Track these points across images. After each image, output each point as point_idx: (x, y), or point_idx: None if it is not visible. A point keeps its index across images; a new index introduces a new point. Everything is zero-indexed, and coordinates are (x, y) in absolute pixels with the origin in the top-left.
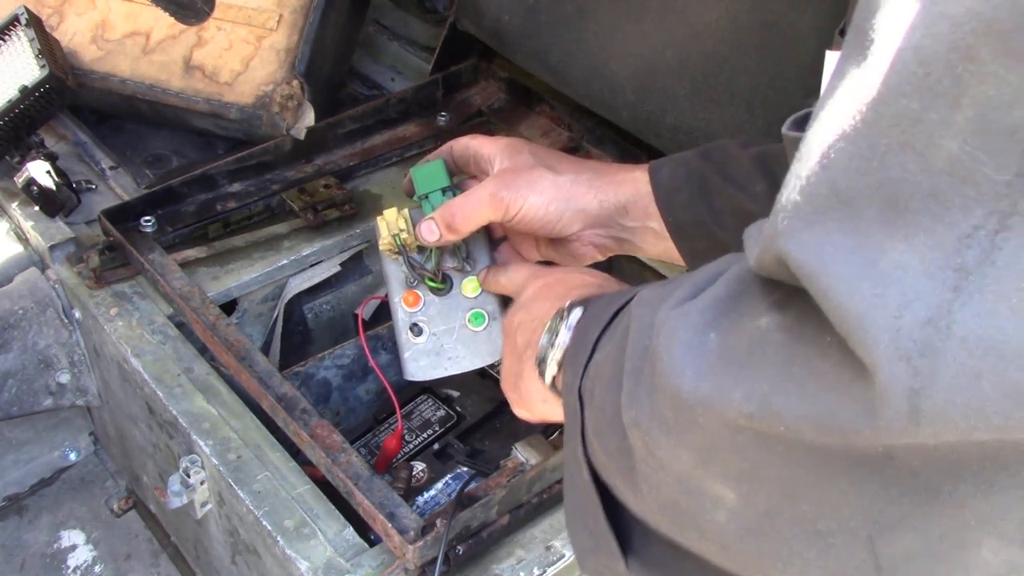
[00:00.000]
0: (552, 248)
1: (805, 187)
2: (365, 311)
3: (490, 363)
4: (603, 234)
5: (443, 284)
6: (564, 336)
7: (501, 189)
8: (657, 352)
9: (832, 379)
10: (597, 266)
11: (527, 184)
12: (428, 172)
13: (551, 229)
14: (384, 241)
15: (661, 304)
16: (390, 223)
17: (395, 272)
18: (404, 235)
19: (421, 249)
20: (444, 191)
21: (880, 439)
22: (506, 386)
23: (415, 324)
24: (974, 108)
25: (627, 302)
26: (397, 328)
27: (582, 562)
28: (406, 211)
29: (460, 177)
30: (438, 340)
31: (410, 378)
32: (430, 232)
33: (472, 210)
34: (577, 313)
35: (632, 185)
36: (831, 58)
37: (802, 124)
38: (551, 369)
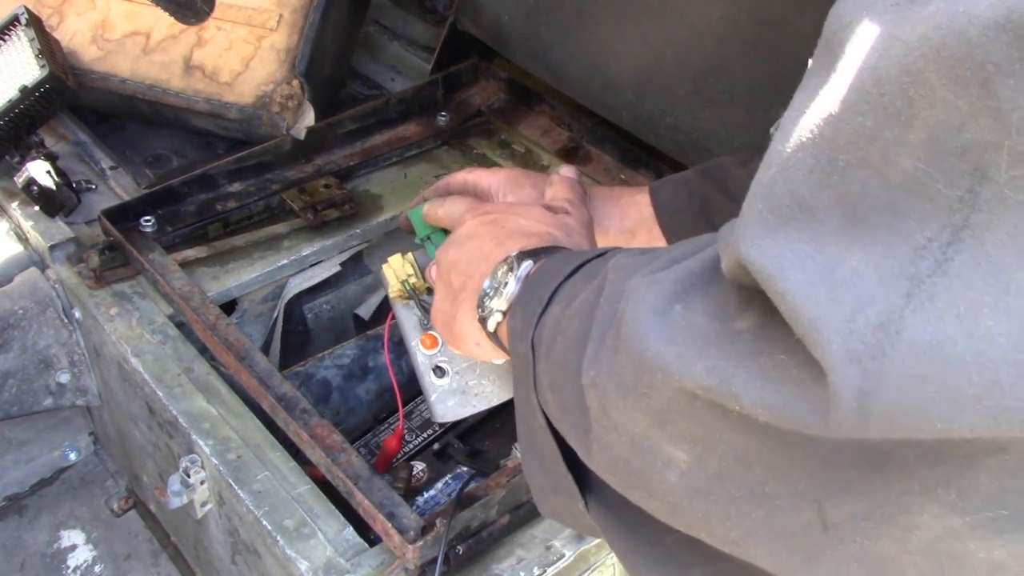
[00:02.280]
0: None
1: (767, 194)
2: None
3: (509, 397)
4: None
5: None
6: (512, 287)
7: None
8: (623, 315)
9: (794, 375)
10: None
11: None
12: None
13: None
14: (394, 289)
15: (635, 273)
16: (397, 270)
17: (408, 317)
18: (413, 280)
19: (431, 291)
20: (446, 231)
21: (830, 435)
22: (436, 323)
23: (437, 367)
24: (926, 129)
25: (591, 258)
26: (419, 372)
27: (540, 502)
28: (410, 255)
29: None
30: (462, 379)
31: (440, 420)
32: (433, 274)
33: None
34: (527, 265)
35: (635, 209)
36: None
37: None
38: (495, 317)
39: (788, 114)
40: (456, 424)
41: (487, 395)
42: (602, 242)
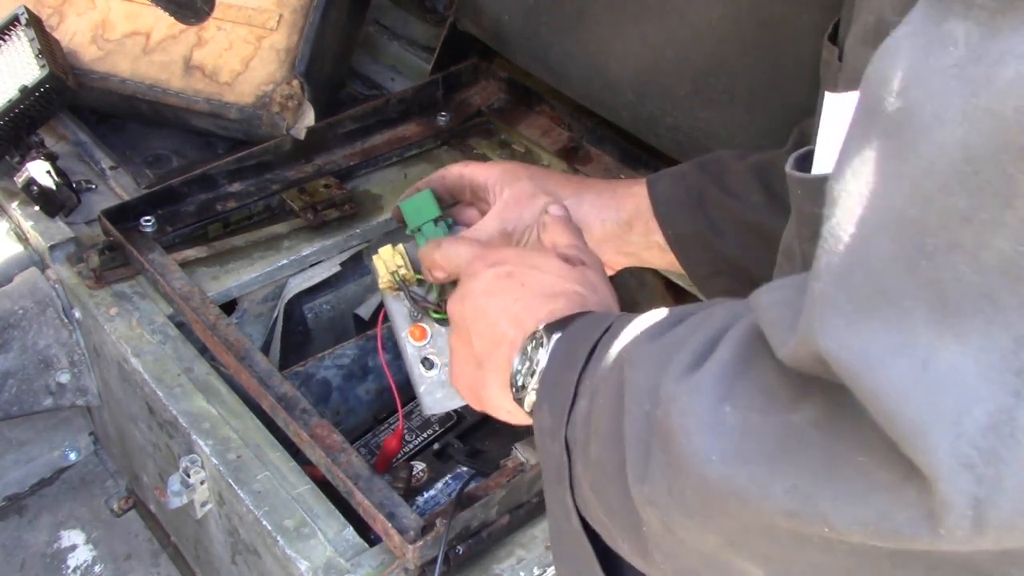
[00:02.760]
0: None
1: (841, 281)
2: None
3: None
4: (609, 250)
5: (447, 314)
6: (543, 362)
7: (507, 224)
8: (671, 431)
9: (882, 480)
10: None
11: (531, 215)
12: (417, 204)
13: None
14: (384, 280)
15: (661, 373)
16: (387, 261)
17: (398, 308)
18: (403, 271)
19: (421, 282)
20: (436, 221)
21: (940, 546)
22: (460, 385)
23: (426, 358)
24: None
25: (600, 336)
26: (408, 364)
27: None
28: (401, 247)
29: (451, 203)
30: (447, 372)
31: (428, 412)
32: (440, 273)
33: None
34: (557, 338)
35: (633, 201)
36: (832, 101)
37: (803, 162)
38: (530, 397)
39: (846, 185)
40: (456, 424)
41: None
42: (599, 234)
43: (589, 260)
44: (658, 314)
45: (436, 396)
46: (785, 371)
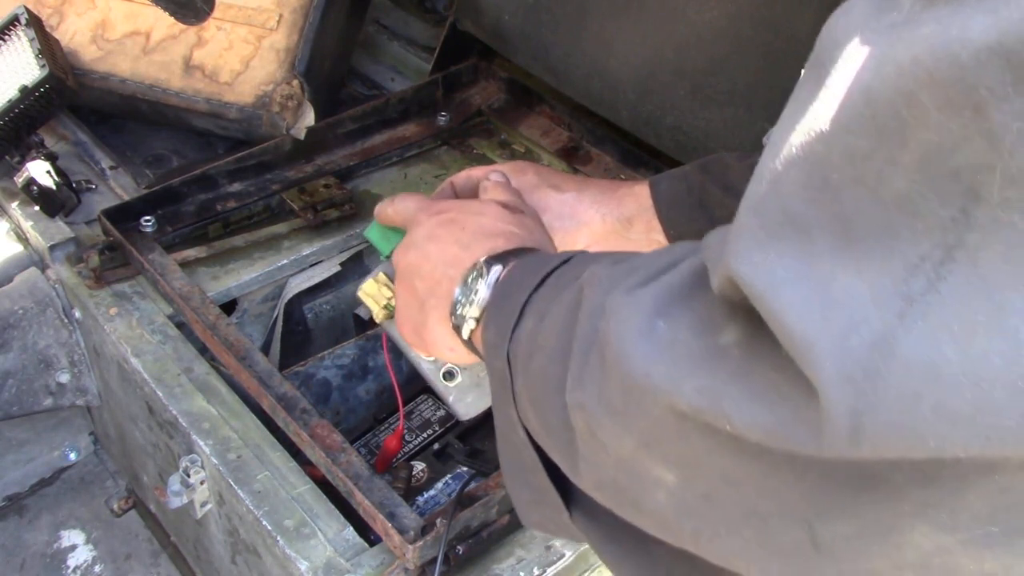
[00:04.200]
0: None
1: (759, 210)
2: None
3: None
4: (609, 248)
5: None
6: (483, 293)
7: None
8: (607, 337)
9: (785, 393)
10: None
11: (533, 202)
12: (380, 230)
13: (556, 246)
14: (378, 314)
15: (613, 288)
16: (375, 296)
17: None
18: (394, 301)
19: None
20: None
21: (823, 455)
22: (404, 329)
23: (448, 372)
24: (919, 150)
25: (558, 265)
26: (431, 381)
27: (524, 515)
28: (381, 276)
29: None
30: (473, 373)
31: (466, 418)
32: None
33: None
34: (497, 270)
35: (634, 199)
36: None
37: None
38: (468, 324)
39: (778, 128)
40: (456, 424)
41: (484, 394)
42: (599, 229)
43: (527, 211)
44: (625, 252)
45: (467, 401)
46: (718, 303)
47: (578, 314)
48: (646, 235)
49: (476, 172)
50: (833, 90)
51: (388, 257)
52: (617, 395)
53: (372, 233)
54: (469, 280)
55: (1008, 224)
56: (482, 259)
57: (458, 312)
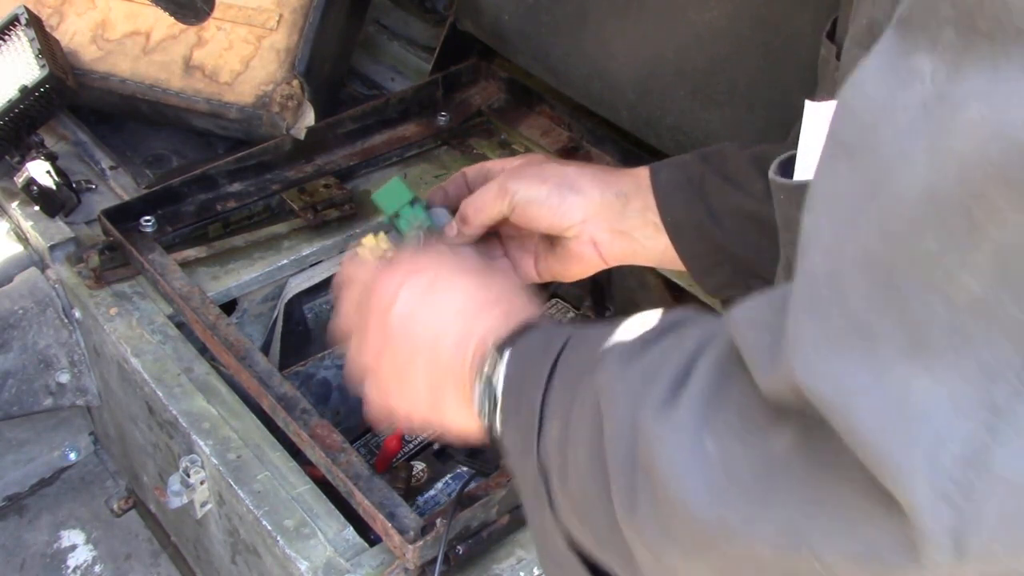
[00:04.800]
0: (552, 254)
1: (819, 314)
2: None
3: None
4: (604, 228)
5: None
6: (499, 387)
7: (508, 179)
8: (655, 468)
9: (865, 510)
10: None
11: (533, 174)
12: (389, 191)
13: (553, 217)
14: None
15: (639, 407)
16: (373, 248)
17: None
18: (391, 255)
19: None
20: (412, 203)
21: (923, 575)
22: (397, 402)
23: None
24: (992, 250)
25: (559, 353)
26: None
27: None
28: (382, 233)
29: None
30: None
31: None
32: (451, 228)
33: (482, 201)
34: (504, 364)
35: (633, 178)
36: (811, 109)
37: (787, 166)
38: (497, 426)
39: (817, 219)
40: None
41: None
42: (597, 201)
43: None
44: (622, 331)
45: None
46: (757, 397)
47: (603, 436)
48: (642, 214)
49: (488, 164)
50: (887, 186)
51: (390, 218)
52: (683, 532)
53: (379, 195)
54: (486, 377)
55: None
56: (491, 346)
57: (485, 411)
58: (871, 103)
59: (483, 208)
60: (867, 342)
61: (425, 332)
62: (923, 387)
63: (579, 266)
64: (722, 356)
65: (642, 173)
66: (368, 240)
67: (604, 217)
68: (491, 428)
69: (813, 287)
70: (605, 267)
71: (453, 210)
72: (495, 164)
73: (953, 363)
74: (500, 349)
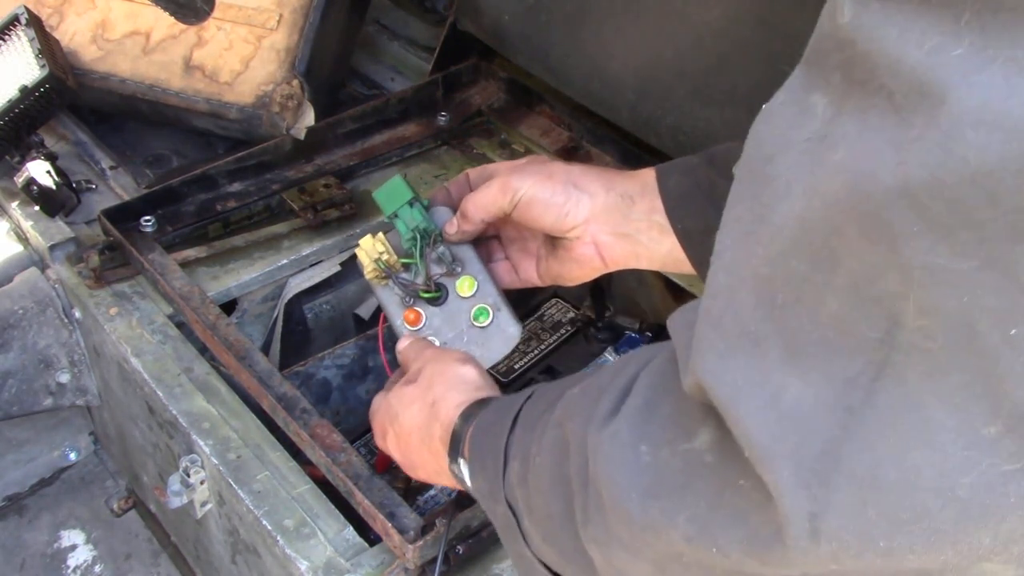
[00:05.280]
0: (553, 256)
1: (716, 324)
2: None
3: (508, 352)
4: (607, 230)
5: (438, 292)
6: (467, 446)
7: (511, 175)
8: (598, 475)
9: (755, 500)
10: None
11: (537, 172)
12: (389, 190)
13: (556, 215)
14: (369, 269)
15: (588, 422)
16: (369, 250)
17: (388, 296)
18: (385, 256)
19: (407, 267)
20: (411, 203)
21: (789, 559)
22: (402, 462)
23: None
24: (848, 276)
25: (523, 404)
26: None
27: None
28: (380, 235)
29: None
30: (451, 347)
31: None
32: (451, 225)
33: (483, 197)
34: (473, 423)
35: (638, 179)
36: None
37: None
38: (468, 483)
39: (722, 235)
40: None
41: (482, 355)
42: (601, 201)
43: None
44: (582, 375)
45: None
46: (687, 402)
47: (568, 451)
48: (647, 216)
49: (491, 166)
50: (773, 213)
51: (389, 218)
52: (623, 531)
53: (380, 193)
54: (455, 457)
55: (924, 350)
56: (457, 419)
57: (458, 476)
58: (774, 134)
59: (484, 204)
60: (753, 349)
61: (408, 421)
62: (795, 389)
63: (580, 269)
64: (661, 367)
65: (648, 175)
66: (365, 241)
67: (608, 218)
68: (464, 485)
69: (715, 298)
70: (606, 271)
71: (455, 210)
72: (499, 166)
73: (820, 369)
74: (466, 418)
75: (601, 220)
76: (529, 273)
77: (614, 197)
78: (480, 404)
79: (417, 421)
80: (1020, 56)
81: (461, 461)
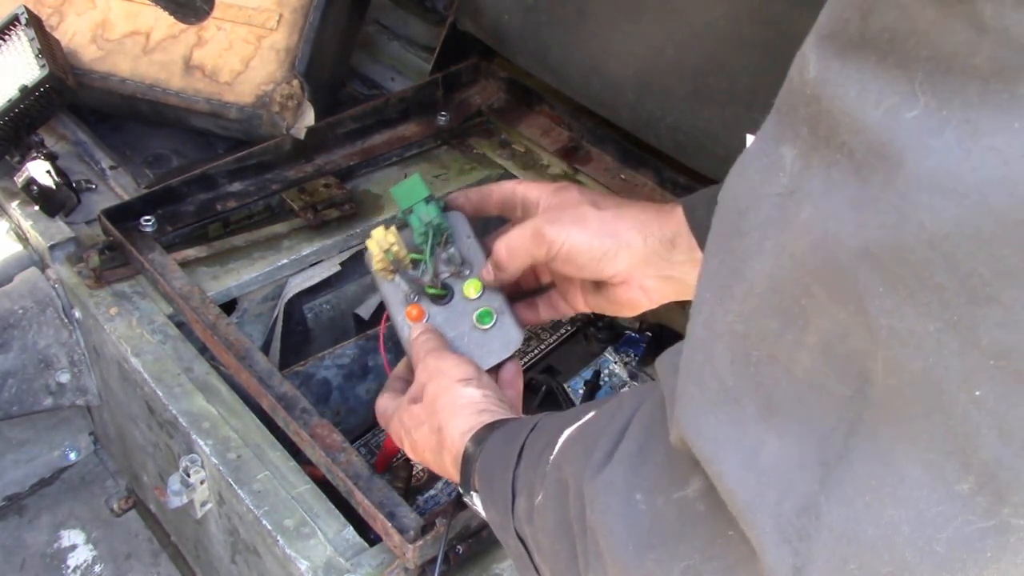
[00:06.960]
0: (599, 294)
1: (696, 379)
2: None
3: (507, 356)
4: (651, 274)
5: (444, 292)
6: (476, 470)
7: (544, 225)
8: (594, 524)
9: (742, 552)
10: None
11: (572, 220)
12: (407, 187)
13: (595, 267)
14: (377, 260)
15: (584, 469)
16: (379, 240)
17: (393, 291)
18: (395, 248)
19: (415, 264)
20: (427, 201)
21: None
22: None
23: None
24: (818, 334)
25: (528, 435)
26: (407, 347)
27: None
28: (393, 227)
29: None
30: (452, 348)
31: None
32: (487, 273)
33: (516, 246)
34: (481, 451)
35: (674, 218)
36: (751, 141)
37: None
38: (479, 509)
39: (702, 292)
40: None
41: (481, 357)
42: (641, 251)
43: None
44: (581, 410)
45: None
46: (678, 449)
47: (568, 495)
48: (689, 255)
49: (521, 188)
50: (746, 270)
51: (404, 213)
52: None
53: (397, 189)
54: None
55: (895, 407)
56: (464, 447)
57: (471, 501)
58: (747, 187)
59: (518, 254)
60: (732, 405)
61: (420, 442)
62: (773, 445)
63: (629, 308)
64: (653, 412)
65: (679, 212)
66: (377, 232)
67: (650, 264)
68: (475, 507)
69: (695, 351)
70: (653, 307)
71: (469, 216)
72: (528, 190)
73: (795, 426)
74: (476, 443)
75: (642, 267)
76: (576, 303)
77: (653, 243)
78: (488, 429)
79: (428, 444)
80: (973, 118)
81: (473, 494)
